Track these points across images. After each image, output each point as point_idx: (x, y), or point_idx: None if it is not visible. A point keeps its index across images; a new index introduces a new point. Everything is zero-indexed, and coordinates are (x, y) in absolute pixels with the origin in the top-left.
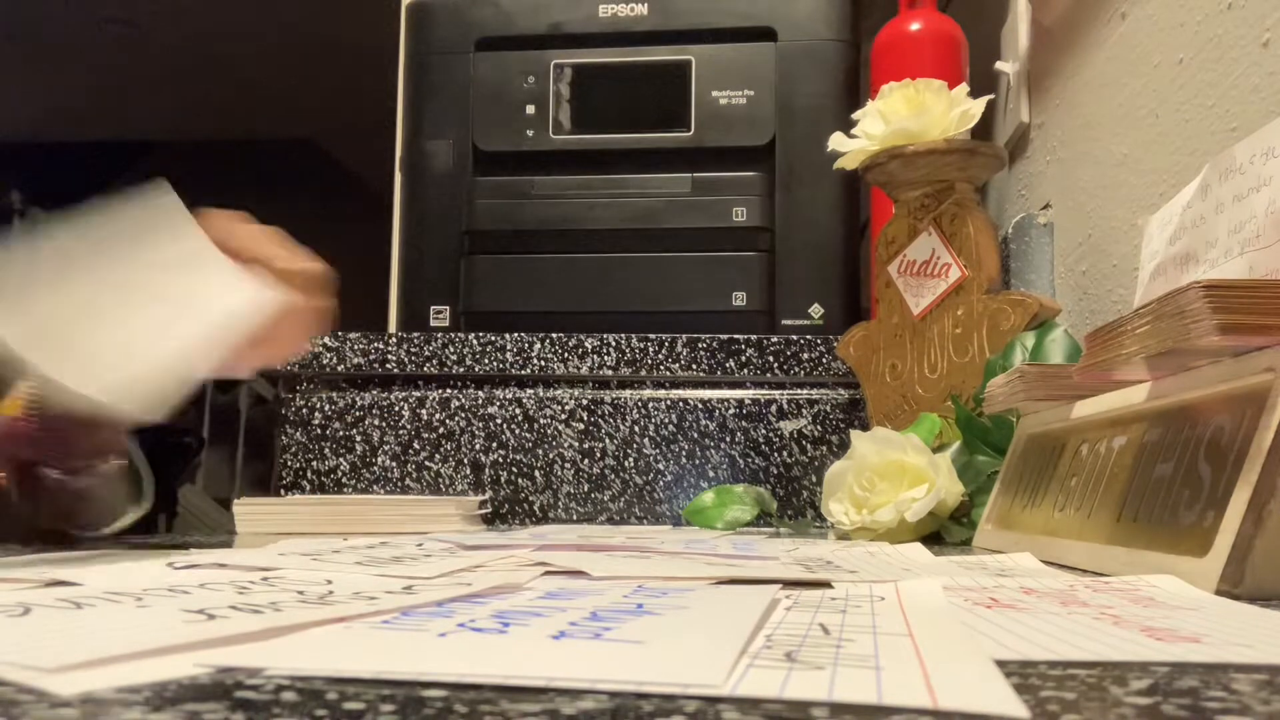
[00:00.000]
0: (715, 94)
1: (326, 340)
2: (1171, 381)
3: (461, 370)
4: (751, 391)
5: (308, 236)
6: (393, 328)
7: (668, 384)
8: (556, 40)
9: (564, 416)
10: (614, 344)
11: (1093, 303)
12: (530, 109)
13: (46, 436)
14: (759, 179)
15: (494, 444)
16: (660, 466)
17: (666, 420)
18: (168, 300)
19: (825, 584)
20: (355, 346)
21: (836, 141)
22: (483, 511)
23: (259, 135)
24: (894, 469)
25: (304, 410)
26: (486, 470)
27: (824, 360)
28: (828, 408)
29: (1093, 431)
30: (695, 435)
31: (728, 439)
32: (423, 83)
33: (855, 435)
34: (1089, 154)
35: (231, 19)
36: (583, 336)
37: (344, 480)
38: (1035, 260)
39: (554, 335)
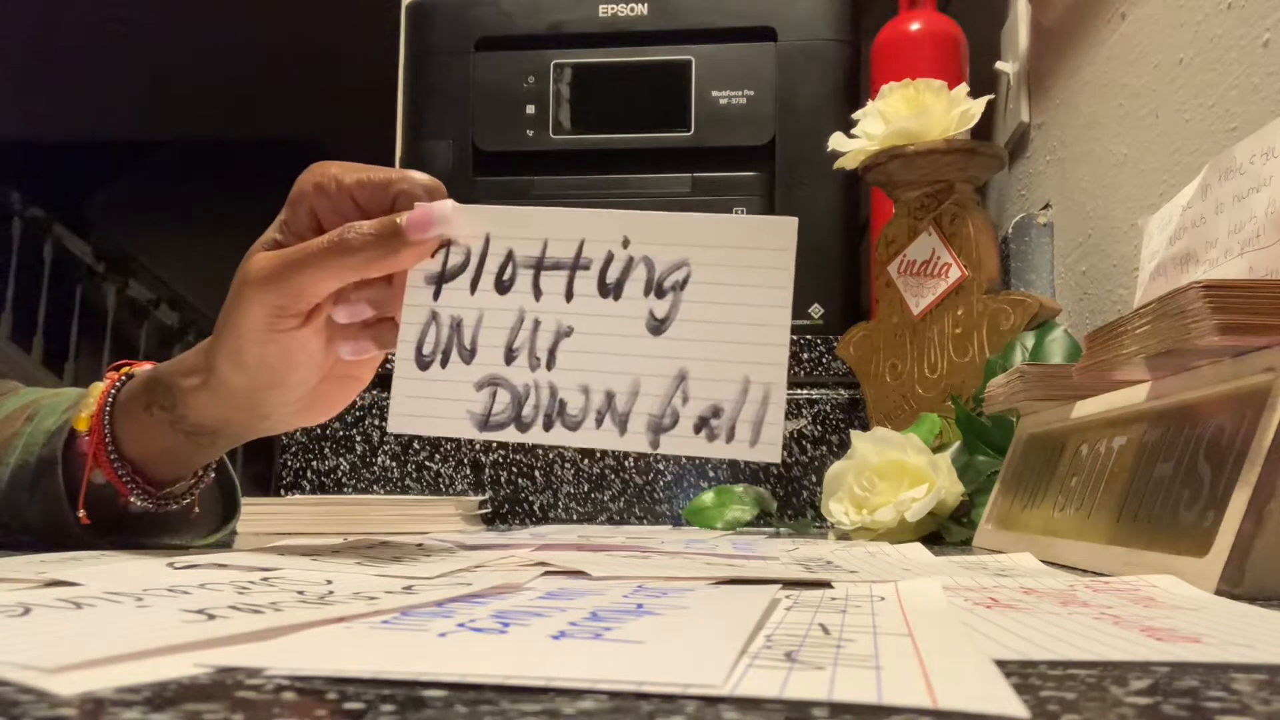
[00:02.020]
0: (715, 94)
1: None
2: (1171, 381)
3: None
4: None
5: None
6: None
7: None
8: (556, 40)
9: None
10: None
11: (1093, 303)
12: (530, 109)
13: (123, 464)
14: (759, 179)
15: (494, 444)
16: (660, 466)
17: None
18: None
19: (825, 584)
20: None
21: (836, 141)
22: (483, 511)
23: (259, 135)
24: (894, 469)
25: None
26: (486, 470)
27: (824, 360)
28: (828, 408)
29: (1093, 431)
30: None
31: None
32: (423, 83)
33: (855, 435)
34: (1089, 154)
35: (232, 19)
36: None
37: (344, 480)
38: (1035, 260)
39: None
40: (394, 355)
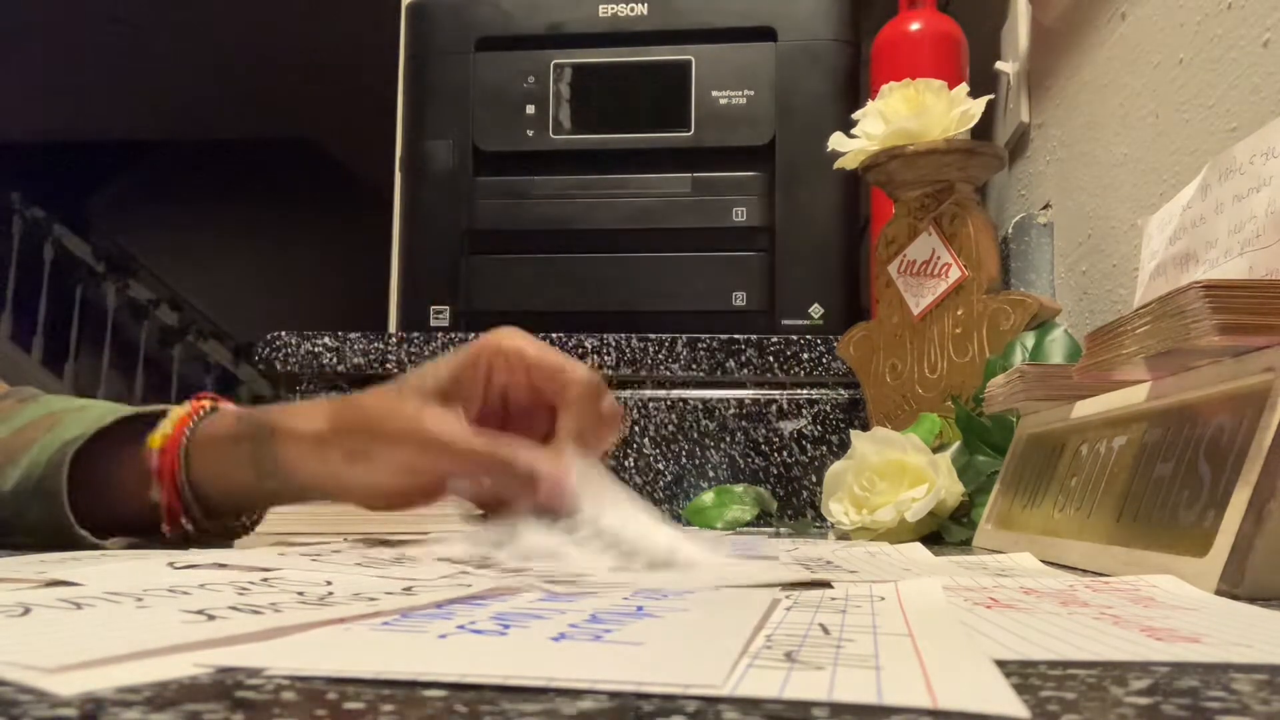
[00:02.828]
0: (715, 94)
1: (327, 340)
2: (1171, 381)
3: None
4: (751, 391)
5: (308, 237)
6: (393, 328)
7: (668, 384)
8: (556, 40)
9: None
10: (614, 344)
11: (1093, 303)
12: (530, 109)
13: (192, 491)
14: (759, 179)
15: None
16: (660, 466)
17: (666, 420)
18: None
19: (825, 584)
20: (355, 346)
21: (836, 141)
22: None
23: (259, 135)
24: (894, 469)
25: None
26: None
27: (824, 360)
28: (828, 408)
29: (1093, 431)
30: (695, 435)
31: (728, 439)
32: (423, 83)
33: (855, 435)
34: (1089, 154)
35: (232, 19)
36: (583, 336)
37: None
38: (1035, 260)
39: (554, 335)
40: None
